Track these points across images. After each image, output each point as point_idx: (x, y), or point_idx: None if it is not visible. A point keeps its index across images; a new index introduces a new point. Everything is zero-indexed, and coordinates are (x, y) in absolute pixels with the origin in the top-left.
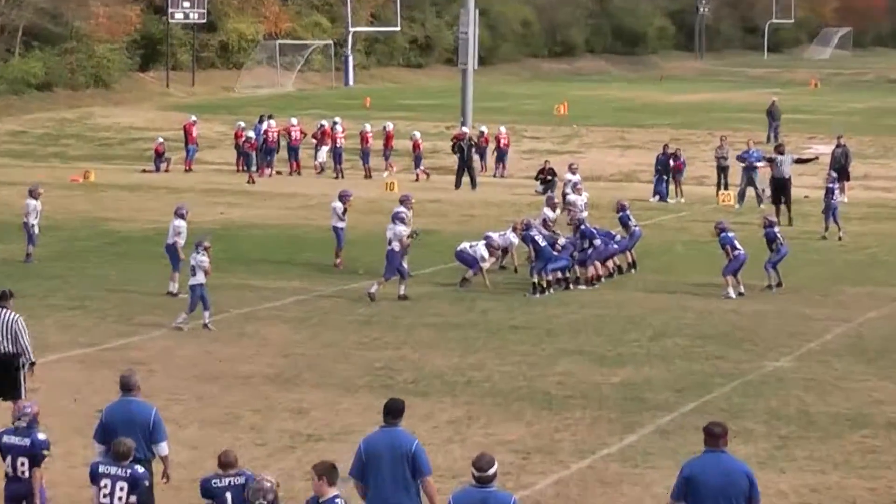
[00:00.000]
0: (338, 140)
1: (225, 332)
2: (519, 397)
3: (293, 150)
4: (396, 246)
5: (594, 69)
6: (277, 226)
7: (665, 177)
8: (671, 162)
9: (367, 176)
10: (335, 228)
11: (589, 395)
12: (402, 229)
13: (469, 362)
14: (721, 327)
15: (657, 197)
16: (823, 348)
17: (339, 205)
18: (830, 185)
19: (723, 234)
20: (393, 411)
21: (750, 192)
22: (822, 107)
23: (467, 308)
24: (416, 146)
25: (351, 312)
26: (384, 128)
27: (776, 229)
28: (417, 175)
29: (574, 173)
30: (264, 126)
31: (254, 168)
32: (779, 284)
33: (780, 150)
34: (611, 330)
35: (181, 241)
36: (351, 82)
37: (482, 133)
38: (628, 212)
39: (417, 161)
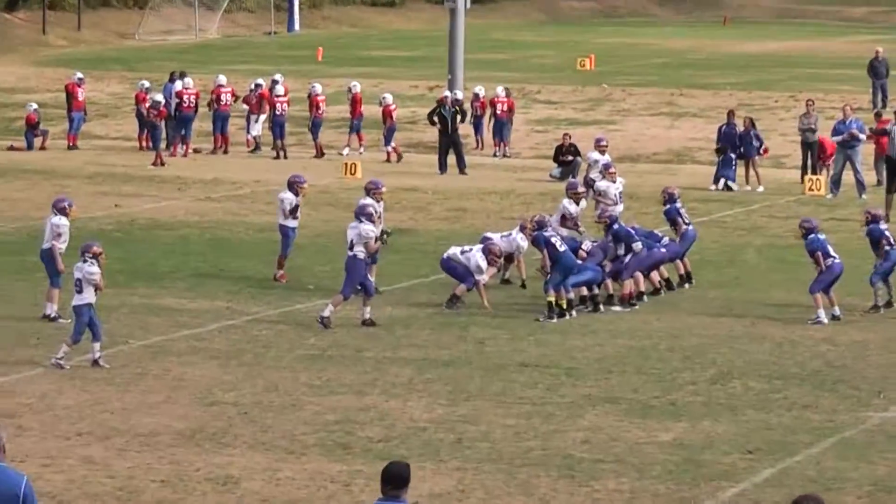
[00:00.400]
0: (278, 106)
1: (122, 372)
2: (529, 462)
3: (219, 120)
4: (361, 252)
5: (633, 8)
6: (195, 224)
7: (733, 156)
8: (745, 138)
9: (319, 154)
10: (282, 228)
11: (626, 460)
12: (369, 229)
13: (460, 413)
14: (809, 365)
15: (721, 184)
16: None
17: (288, 196)
18: None
19: (811, 237)
20: (395, 479)
21: (848, 176)
22: None
23: (457, 338)
24: (387, 115)
25: (298, 344)
26: (349, 89)
27: (884, 226)
28: (388, 154)
29: (603, 152)
30: (177, 86)
31: (162, 144)
32: (889, 304)
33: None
34: (657, 369)
35: (61, 246)
36: (297, 27)
37: (476, 96)
38: (678, 204)
39: (389, 135)
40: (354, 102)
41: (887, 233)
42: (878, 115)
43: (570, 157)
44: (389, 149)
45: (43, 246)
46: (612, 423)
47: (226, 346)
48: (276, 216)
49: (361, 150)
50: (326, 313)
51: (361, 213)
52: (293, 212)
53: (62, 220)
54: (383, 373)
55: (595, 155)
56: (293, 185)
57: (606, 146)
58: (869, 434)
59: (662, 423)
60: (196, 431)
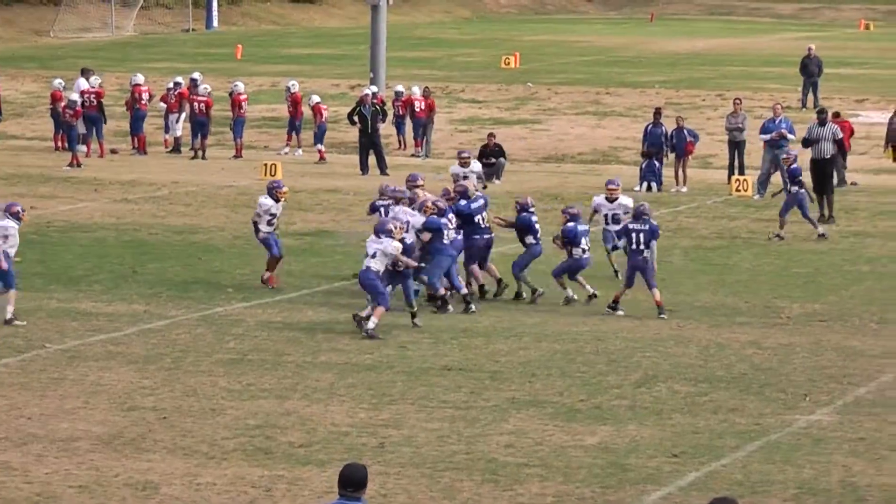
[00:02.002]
0: (197, 105)
1: (39, 377)
2: (452, 466)
3: (138, 120)
4: (374, 264)
5: (562, 4)
6: (112, 226)
7: (656, 163)
8: (674, 138)
9: (238, 154)
10: (263, 238)
11: (551, 464)
12: (395, 245)
13: (383, 418)
14: (736, 368)
15: (644, 185)
16: (878, 396)
17: (269, 202)
18: None
19: (568, 225)
20: (354, 481)
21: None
22: (876, 58)
23: (379, 342)
24: (317, 112)
25: (217, 348)
26: (287, 89)
27: (535, 218)
28: (320, 153)
29: (465, 165)
30: (81, 85)
31: (79, 145)
32: (519, 296)
33: (821, 117)
34: (582, 372)
35: (10, 250)
36: (215, 24)
37: (398, 95)
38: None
39: (321, 134)
40: (294, 103)
41: (536, 225)
42: (818, 115)
43: (494, 158)
44: (321, 147)
45: None
46: (536, 426)
47: (144, 350)
48: (257, 223)
49: (299, 150)
50: (371, 326)
51: (382, 230)
52: (270, 220)
53: (10, 223)
54: (304, 377)
55: (456, 169)
56: (272, 192)
57: (468, 158)
58: (795, 437)
59: (588, 427)
60: (115, 437)
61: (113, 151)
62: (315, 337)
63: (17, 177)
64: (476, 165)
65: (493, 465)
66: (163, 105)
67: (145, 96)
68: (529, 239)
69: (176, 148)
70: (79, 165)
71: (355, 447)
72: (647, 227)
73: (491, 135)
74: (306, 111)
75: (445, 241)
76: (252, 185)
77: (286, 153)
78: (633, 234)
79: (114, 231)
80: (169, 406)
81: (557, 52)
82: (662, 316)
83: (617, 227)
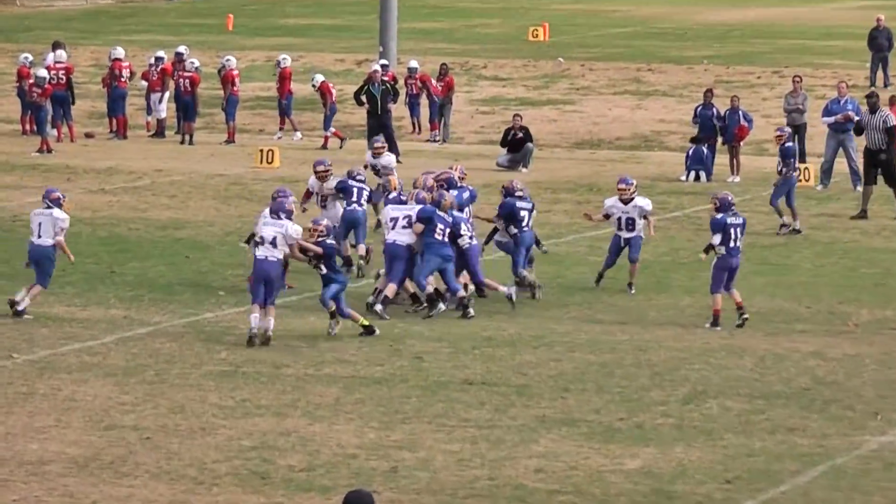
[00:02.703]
0: (182, 83)
1: (6, 391)
2: (474, 493)
3: (117, 99)
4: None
5: None
6: (87, 220)
7: (704, 149)
8: (726, 121)
9: (231, 139)
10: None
11: (586, 491)
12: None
13: (395, 438)
14: (796, 382)
15: (691, 175)
16: None
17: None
18: None
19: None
20: None
21: (842, 164)
22: None
23: (391, 351)
24: (326, 92)
25: (207, 359)
26: (277, 63)
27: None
28: (325, 139)
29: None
30: (48, 60)
31: (49, 129)
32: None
33: (871, 102)
34: (621, 387)
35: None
36: None
37: (411, 72)
38: (521, 203)
39: (330, 117)
40: (283, 79)
41: (522, 213)
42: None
43: (520, 140)
44: (330, 133)
45: (40, 242)
46: (569, 448)
47: (123, 361)
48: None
49: (298, 134)
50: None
51: (281, 210)
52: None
53: (62, 214)
54: (306, 392)
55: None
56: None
57: (383, 149)
58: (864, 461)
59: (628, 449)
60: (91, 459)
61: (88, 135)
62: (318, 346)
63: None
64: (386, 158)
65: (521, 493)
66: (144, 83)
67: (125, 73)
68: (512, 229)
69: (159, 131)
70: (49, 151)
71: (364, 471)
72: (741, 220)
73: (516, 116)
74: (302, 90)
75: (438, 237)
76: (245, 173)
77: (278, 138)
78: (731, 229)
79: (89, 226)
80: (152, 425)
81: (592, 22)
82: (746, 317)
83: (632, 234)
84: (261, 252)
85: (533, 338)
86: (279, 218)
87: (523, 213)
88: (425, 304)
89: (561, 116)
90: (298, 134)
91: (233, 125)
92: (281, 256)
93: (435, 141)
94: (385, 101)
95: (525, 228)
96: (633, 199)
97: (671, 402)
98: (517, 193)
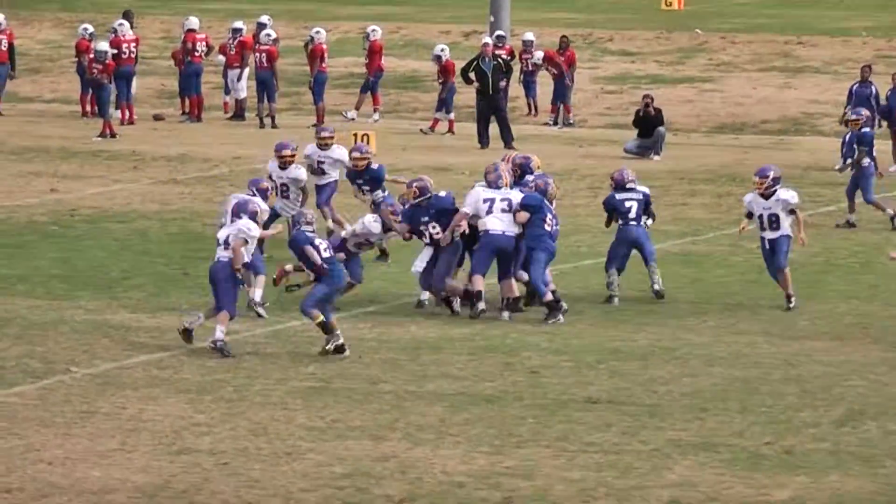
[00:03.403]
0: (258, 57)
1: (63, 410)
2: None
3: (190, 76)
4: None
5: None
6: (156, 215)
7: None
8: (890, 101)
9: (320, 121)
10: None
11: None
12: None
13: (508, 465)
14: None
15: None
16: None
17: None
18: None
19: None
20: None
21: None
22: None
23: (503, 365)
24: (445, 71)
25: (293, 373)
26: (366, 36)
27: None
28: (435, 122)
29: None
30: (124, 29)
31: (113, 111)
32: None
33: None
34: (768, 406)
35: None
36: None
37: (527, 45)
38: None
39: (447, 98)
40: (372, 53)
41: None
42: None
43: (652, 127)
44: (444, 117)
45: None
46: (708, 476)
47: (198, 375)
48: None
49: (351, 113)
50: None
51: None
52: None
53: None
54: (406, 412)
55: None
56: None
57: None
58: None
59: (775, 478)
60: (160, 488)
61: (156, 118)
62: (420, 359)
63: (33, 150)
64: (337, 151)
65: None
66: (221, 58)
67: (201, 46)
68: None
69: (238, 113)
70: (113, 136)
71: (472, 502)
72: (640, 195)
73: (647, 97)
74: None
75: (548, 227)
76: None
77: (375, 121)
78: (627, 203)
79: (158, 221)
80: (230, 448)
81: None
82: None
83: (777, 234)
84: (217, 254)
85: (665, 350)
86: (239, 219)
87: (629, 205)
88: (476, 308)
89: (698, 96)
90: (377, 115)
91: (321, 106)
92: (228, 259)
93: (553, 125)
94: (497, 78)
95: (632, 223)
96: (774, 191)
97: (824, 423)
98: (629, 186)
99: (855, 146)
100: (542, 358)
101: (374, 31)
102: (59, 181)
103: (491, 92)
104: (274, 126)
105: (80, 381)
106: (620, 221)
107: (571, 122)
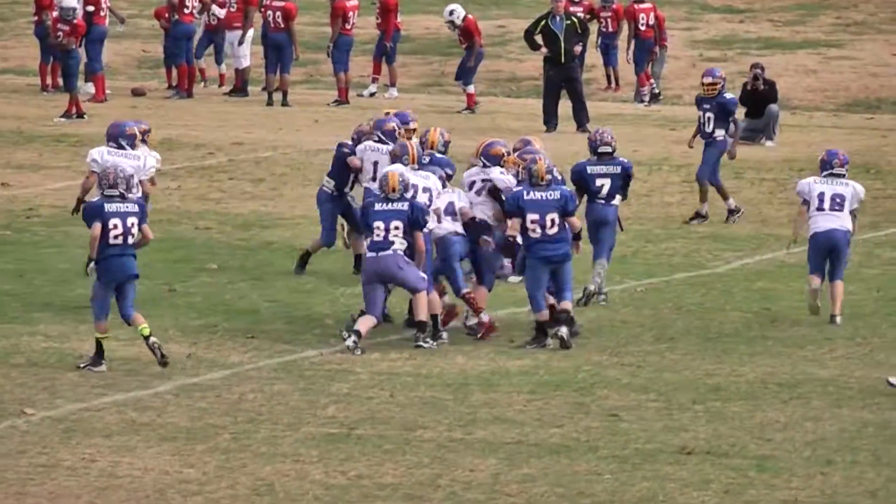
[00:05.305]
0: (271, 15)
1: (17, 462)
2: None
3: (179, 40)
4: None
5: None
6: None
7: None
8: None
9: (343, 98)
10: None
11: None
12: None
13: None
14: None
15: None
16: None
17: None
18: None
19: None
20: None
21: None
22: None
23: (573, 406)
24: (467, 34)
25: (308, 416)
26: None
27: None
28: (471, 97)
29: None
30: None
31: (82, 84)
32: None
33: None
34: None
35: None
36: None
37: (606, 2)
38: None
39: (474, 67)
40: (385, 11)
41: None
42: None
43: (763, 104)
44: (470, 90)
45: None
46: None
47: (187, 419)
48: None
49: (393, 89)
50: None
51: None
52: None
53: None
54: (450, 465)
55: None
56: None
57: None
58: None
59: None
60: None
61: (136, 93)
62: (469, 398)
63: None
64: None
65: None
66: (220, 11)
67: (192, 1)
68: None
69: (239, 87)
70: (80, 115)
71: None
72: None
73: (757, 67)
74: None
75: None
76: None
77: (372, 93)
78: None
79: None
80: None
81: None
82: None
83: (838, 215)
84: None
85: (781, 387)
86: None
87: (601, 182)
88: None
89: (823, 65)
90: (394, 89)
91: (345, 77)
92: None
93: (642, 101)
94: (570, 42)
95: (600, 201)
96: (842, 175)
97: None
98: (601, 150)
99: None
100: (623, 396)
101: None
102: (12, 173)
103: (563, 60)
104: (285, 103)
105: (38, 425)
106: (587, 198)
107: (645, 97)
